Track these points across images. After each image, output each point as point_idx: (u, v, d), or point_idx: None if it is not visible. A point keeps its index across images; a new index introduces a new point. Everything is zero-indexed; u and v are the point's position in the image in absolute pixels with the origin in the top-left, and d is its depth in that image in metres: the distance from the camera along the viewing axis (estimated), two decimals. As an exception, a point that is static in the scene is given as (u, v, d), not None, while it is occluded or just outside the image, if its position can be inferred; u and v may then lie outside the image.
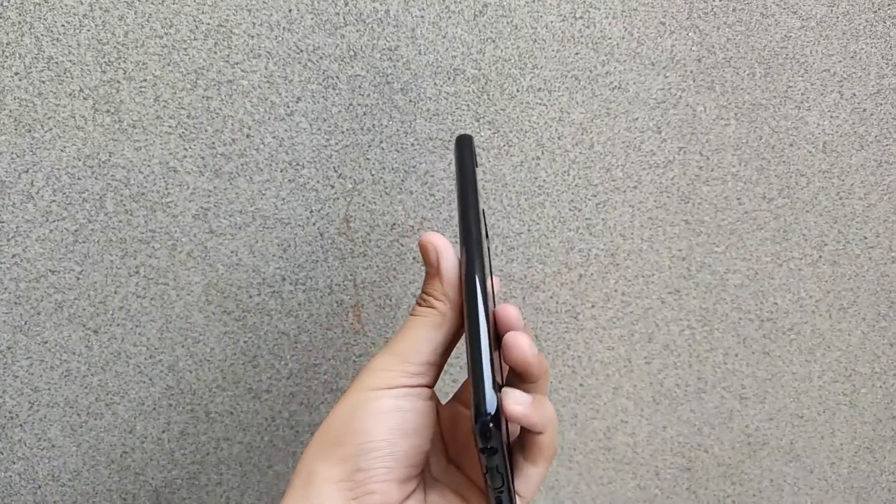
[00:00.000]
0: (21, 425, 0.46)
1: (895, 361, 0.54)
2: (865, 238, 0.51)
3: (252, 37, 0.42)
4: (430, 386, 0.32)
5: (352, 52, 0.43)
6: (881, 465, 0.57)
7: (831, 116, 0.48)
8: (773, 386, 0.53)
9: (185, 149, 0.43)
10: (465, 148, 0.35)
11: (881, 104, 0.49)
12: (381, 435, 0.30)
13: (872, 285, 0.52)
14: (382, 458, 0.30)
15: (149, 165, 0.43)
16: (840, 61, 0.47)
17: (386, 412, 0.30)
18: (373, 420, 0.30)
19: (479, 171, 0.46)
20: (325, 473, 0.30)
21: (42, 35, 0.40)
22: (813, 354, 0.53)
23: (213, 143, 0.43)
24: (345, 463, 0.30)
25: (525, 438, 0.31)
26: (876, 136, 0.49)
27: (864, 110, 0.49)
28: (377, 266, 0.47)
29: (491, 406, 0.28)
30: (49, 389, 0.46)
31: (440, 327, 0.32)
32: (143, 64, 0.42)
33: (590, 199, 0.48)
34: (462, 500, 0.33)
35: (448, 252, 0.32)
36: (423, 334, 0.32)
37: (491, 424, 0.28)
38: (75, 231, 0.44)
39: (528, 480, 0.31)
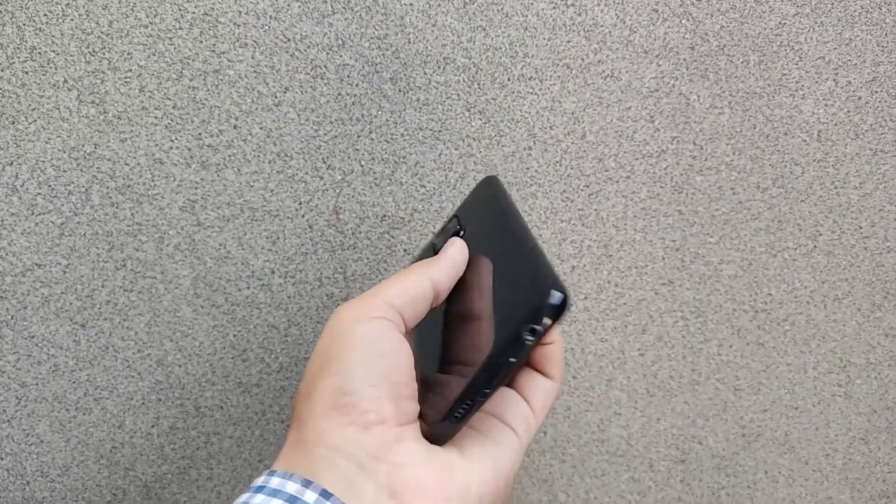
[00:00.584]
0: (8, 421, 0.46)
1: (890, 352, 0.54)
2: (860, 228, 0.51)
3: (238, 25, 0.41)
4: (396, 323, 0.32)
5: (340, 41, 0.42)
6: (876, 455, 0.56)
7: (826, 105, 0.48)
8: (768, 377, 0.53)
9: (172, 140, 0.42)
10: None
11: (876, 92, 0.48)
12: (358, 356, 0.30)
13: (867, 275, 0.52)
14: (364, 376, 0.29)
15: (134, 157, 0.42)
16: (835, 48, 0.47)
17: (359, 336, 0.30)
18: (347, 345, 0.30)
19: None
20: (314, 408, 0.30)
21: (24, 24, 0.40)
22: (808, 345, 0.53)
23: (200, 134, 0.42)
24: (329, 392, 0.30)
25: (541, 354, 0.33)
26: (871, 125, 0.49)
27: (860, 98, 0.48)
28: (367, 258, 0.46)
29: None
30: (37, 384, 0.46)
31: (407, 280, 0.32)
32: (128, 54, 0.41)
33: (582, 190, 0.47)
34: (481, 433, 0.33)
35: (459, 245, 0.34)
36: (388, 281, 0.32)
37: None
38: (61, 224, 0.43)
39: (548, 395, 0.34)
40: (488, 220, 0.35)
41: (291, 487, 0.28)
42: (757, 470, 0.55)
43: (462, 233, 0.35)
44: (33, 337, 0.45)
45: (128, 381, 0.47)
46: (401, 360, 0.31)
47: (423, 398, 0.32)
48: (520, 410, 0.34)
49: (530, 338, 0.29)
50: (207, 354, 0.47)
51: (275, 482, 0.29)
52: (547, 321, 0.29)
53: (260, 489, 0.28)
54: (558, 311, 0.29)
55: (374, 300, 0.32)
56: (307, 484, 0.28)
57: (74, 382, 0.46)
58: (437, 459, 0.30)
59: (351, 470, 0.29)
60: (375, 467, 0.29)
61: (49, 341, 0.45)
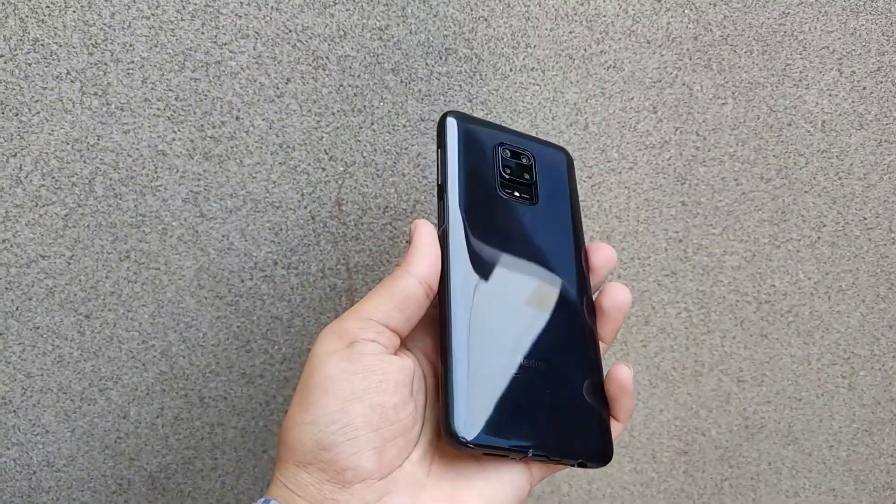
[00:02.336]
0: (14, 411, 0.46)
1: (895, 343, 0.54)
2: (865, 219, 0.51)
3: (240, 17, 0.41)
4: (380, 342, 0.30)
5: (341, 32, 0.42)
6: (880, 447, 0.56)
7: (830, 95, 0.48)
8: (771, 369, 0.53)
9: (174, 132, 0.42)
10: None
11: (881, 82, 0.48)
12: (331, 405, 0.28)
13: (872, 267, 0.52)
14: (340, 429, 0.28)
15: (137, 149, 0.43)
16: (839, 38, 0.46)
17: (331, 378, 0.29)
18: (320, 391, 0.29)
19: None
20: (295, 457, 0.29)
21: (27, 16, 0.40)
22: (811, 337, 0.53)
23: (202, 125, 0.43)
24: (307, 445, 0.28)
25: (611, 397, 0.32)
26: (876, 115, 0.48)
27: (864, 88, 0.48)
28: (370, 249, 0.46)
29: (464, 430, 0.29)
30: (42, 375, 0.46)
31: (387, 287, 0.31)
32: (131, 45, 0.41)
33: (585, 181, 0.47)
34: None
35: (424, 228, 0.32)
36: (368, 294, 0.31)
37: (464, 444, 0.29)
38: (65, 216, 0.43)
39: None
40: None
41: None
42: (760, 461, 0.55)
43: (535, 197, 0.36)
44: (38, 328, 0.45)
45: (132, 372, 0.47)
46: (382, 398, 0.29)
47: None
48: None
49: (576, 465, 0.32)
50: (211, 345, 0.47)
51: None
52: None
53: None
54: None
55: (353, 321, 0.30)
56: None
57: (79, 373, 0.46)
58: None
59: None
60: None
61: (54, 332, 0.45)
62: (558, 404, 0.31)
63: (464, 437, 0.28)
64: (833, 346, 0.53)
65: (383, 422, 0.29)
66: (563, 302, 0.34)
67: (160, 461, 0.49)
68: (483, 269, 0.32)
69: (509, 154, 0.36)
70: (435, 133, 0.45)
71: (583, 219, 0.48)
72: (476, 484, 0.30)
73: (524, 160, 0.37)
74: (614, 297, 0.34)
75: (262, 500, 0.29)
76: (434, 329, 0.33)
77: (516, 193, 0.35)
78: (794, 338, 0.53)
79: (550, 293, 0.34)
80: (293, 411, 0.29)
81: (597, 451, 0.32)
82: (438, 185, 0.34)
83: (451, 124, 0.35)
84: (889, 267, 0.52)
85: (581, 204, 0.47)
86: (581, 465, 0.31)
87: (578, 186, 0.47)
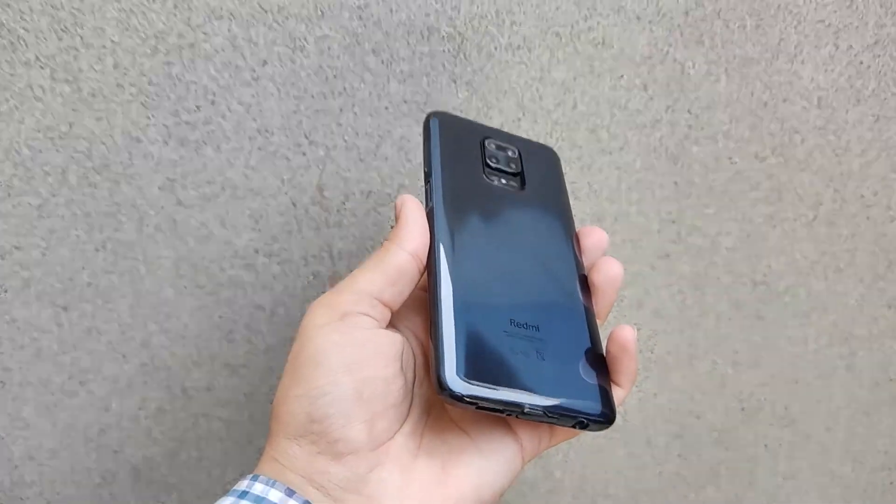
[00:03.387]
0: (-6, 406, 0.45)
1: (893, 323, 0.53)
2: (863, 196, 0.49)
3: (212, -3, 0.40)
4: (372, 315, 0.30)
5: (319, 12, 0.41)
6: (878, 428, 0.55)
7: (826, 70, 0.46)
8: (767, 350, 0.52)
9: (148, 117, 0.41)
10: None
11: (879, 56, 0.46)
12: (322, 378, 0.28)
13: (870, 245, 0.51)
14: (332, 401, 0.28)
15: (111, 136, 0.41)
16: (835, 11, 0.45)
17: (323, 351, 0.28)
18: (312, 363, 0.28)
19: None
20: (285, 431, 0.29)
21: (-10, -1, 0.38)
22: (808, 318, 0.52)
23: (177, 110, 0.41)
24: (298, 417, 0.28)
25: (612, 359, 0.31)
26: (873, 90, 0.47)
27: (861, 63, 0.46)
28: (353, 236, 0.45)
29: (454, 383, 0.27)
30: (20, 369, 0.45)
31: (380, 261, 0.30)
32: (101, 29, 0.40)
33: (574, 162, 0.46)
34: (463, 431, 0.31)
35: (411, 203, 0.32)
36: (360, 268, 0.31)
37: (455, 399, 0.28)
38: (39, 206, 0.42)
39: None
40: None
41: (275, 496, 0.27)
42: (757, 444, 0.55)
43: (522, 185, 0.36)
44: (15, 321, 0.44)
45: (113, 364, 0.46)
46: (373, 371, 0.29)
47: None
48: (538, 426, 0.32)
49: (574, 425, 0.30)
50: (193, 336, 0.46)
51: (258, 488, 0.28)
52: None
53: (243, 494, 0.28)
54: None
55: (346, 294, 0.30)
56: (290, 493, 0.28)
57: (59, 366, 0.45)
58: (412, 487, 0.29)
59: (321, 500, 0.28)
60: (345, 498, 0.28)
61: (31, 325, 0.44)
62: (554, 366, 0.30)
63: (458, 391, 0.28)
64: (831, 326, 0.52)
65: (374, 394, 0.29)
66: (556, 275, 0.33)
67: (144, 453, 0.48)
68: (472, 242, 0.32)
69: (495, 147, 0.37)
70: (420, 121, 0.43)
71: (573, 201, 0.47)
72: (467, 458, 0.30)
73: (510, 153, 0.37)
74: (606, 271, 0.33)
75: (250, 476, 0.28)
76: (422, 308, 0.34)
77: (503, 181, 0.35)
78: (791, 319, 0.51)
79: (543, 266, 0.33)
80: (285, 384, 0.30)
81: (597, 411, 0.30)
82: (425, 172, 0.34)
83: (437, 121, 0.35)
84: (888, 245, 0.51)
85: (571, 185, 0.46)
86: (581, 426, 0.30)
87: (569, 168, 0.46)
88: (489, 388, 0.28)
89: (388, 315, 0.31)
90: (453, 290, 0.30)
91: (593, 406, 0.30)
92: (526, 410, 0.29)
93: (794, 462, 0.56)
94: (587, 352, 0.31)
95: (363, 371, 0.29)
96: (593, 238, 0.35)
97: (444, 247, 0.31)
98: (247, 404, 0.48)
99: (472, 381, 0.28)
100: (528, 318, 0.31)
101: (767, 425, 0.54)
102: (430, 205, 0.32)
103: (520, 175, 0.36)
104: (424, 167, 0.34)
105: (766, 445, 0.55)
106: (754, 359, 0.52)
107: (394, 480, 0.29)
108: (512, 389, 0.29)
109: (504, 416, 0.29)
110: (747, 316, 0.51)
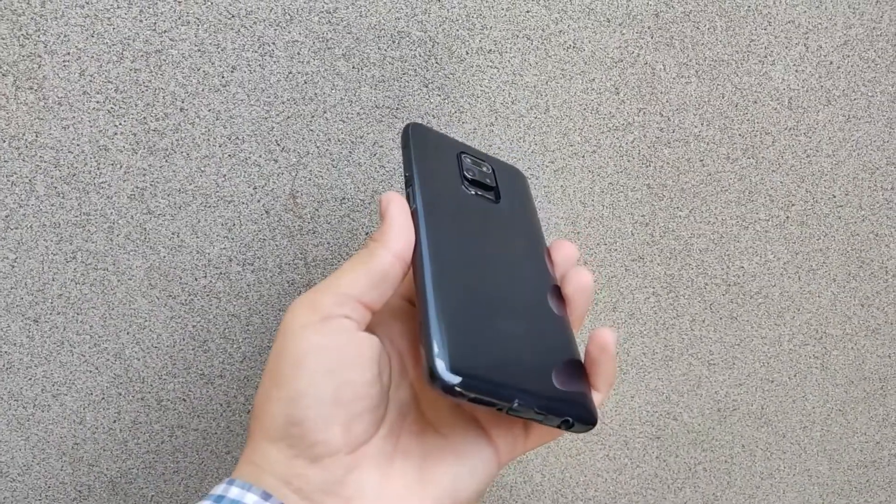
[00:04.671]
0: (-37, 420, 0.45)
1: (866, 322, 0.53)
2: (834, 196, 0.50)
3: (179, 2, 0.39)
4: (353, 318, 0.30)
5: (288, 16, 0.40)
6: (853, 426, 0.56)
7: (797, 70, 0.46)
8: (742, 351, 0.52)
9: (116, 125, 0.41)
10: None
11: (848, 56, 0.47)
12: (303, 381, 0.28)
13: (842, 245, 0.51)
14: (311, 403, 0.28)
15: (78, 145, 0.41)
16: (805, 12, 0.45)
17: (304, 353, 0.29)
18: (293, 365, 0.28)
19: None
20: (265, 433, 0.29)
21: (-48, 8, 0.38)
22: (782, 318, 0.52)
23: (145, 118, 0.41)
24: (277, 419, 0.28)
25: (591, 362, 0.31)
26: (843, 90, 0.47)
27: (831, 63, 0.47)
28: (328, 243, 0.45)
29: (446, 375, 0.27)
30: (-10, 382, 0.44)
31: (364, 263, 0.30)
32: (65, 36, 0.39)
33: (547, 166, 0.46)
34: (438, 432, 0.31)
35: (396, 201, 0.31)
36: (343, 268, 0.30)
37: (449, 388, 0.28)
38: (6, 217, 0.41)
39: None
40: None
41: (251, 499, 0.27)
42: (734, 444, 0.55)
43: (498, 198, 0.37)
44: (-17, 334, 0.43)
45: (86, 376, 0.45)
46: (353, 374, 0.29)
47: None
48: (512, 430, 0.32)
49: (559, 425, 0.30)
50: (167, 346, 0.45)
51: (234, 492, 0.28)
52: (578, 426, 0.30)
53: (219, 499, 0.28)
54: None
55: (327, 294, 0.30)
56: (266, 497, 0.28)
57: (30, 379, 0.45)
58: (389, 489, 0.29)
59: (298, 502, 0.28)
60: (323, 501, 0.28)
61: (1, 338, 0.44)
62: (538, 367, 0.31)
63: (449, 381, 0.28)
64: (804, 326, 0.53)
65: (352, 398, 0.29)
66: (531, 283, 0.34)
67: (120, 466, 0.48)
68: (455, 245, 0.32)
69: (471, 161, 0.37)
70: (393, 127, 0.43)
71: (547, 205, 0.47)
72: (443, 460, 0.30)
73: (485, 168, 0.38)
74: (576, 282, 0.33)
75: (226, 480, 0.28)
76: (400, 314, 0.34)
77: (479, 193, 0.36)
78: (765, 319, 0.52)
79: (520, 275, 0.34)
80: (265, 384, 0.30)
81: (581, 414, 0.30)
82: (406, 176, 0.34)
83: (415, 130, 0.36)
84: (860, 245, 0.51)
85: (544, 189, 0.46)
86: (566, 426, 0.30)
87: (542, 172, 0.46)
88: (480, 380, 0.28)
89: (368, 317, 0.31)
90: (442, 287, 0.30)
91: (578, 407, 0.30)
92: (516, 406, 0.29)
93: (771, 462, 0.56)
94: (565, 357, 0.32)
95: (342, 375, 0.29)
96: (563, 252, 0.35)
97: (429, 247, 0.31)
98: (223, 414, 0.47)
99: (463, 373, 0.28)
100: (511, 320, 0.31)
101: (744, 425, 0.54)
102: (414, 206, 0.32)
103: (495, 189, 0.37)
104: (405, 172, 0.34)
105: (742, 446, 0.55)
106: (729, 359, 0.52)
107: (371, 482, 0.29)
108: (502, 383, 0.29)
109: (494, 409, 0.29)
110: (721, 317, 0.51)
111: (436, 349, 0.28)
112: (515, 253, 0.35)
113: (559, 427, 0.30)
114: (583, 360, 0.32)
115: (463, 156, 0.37)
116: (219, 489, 0.28)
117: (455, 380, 0.27)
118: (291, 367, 0.29)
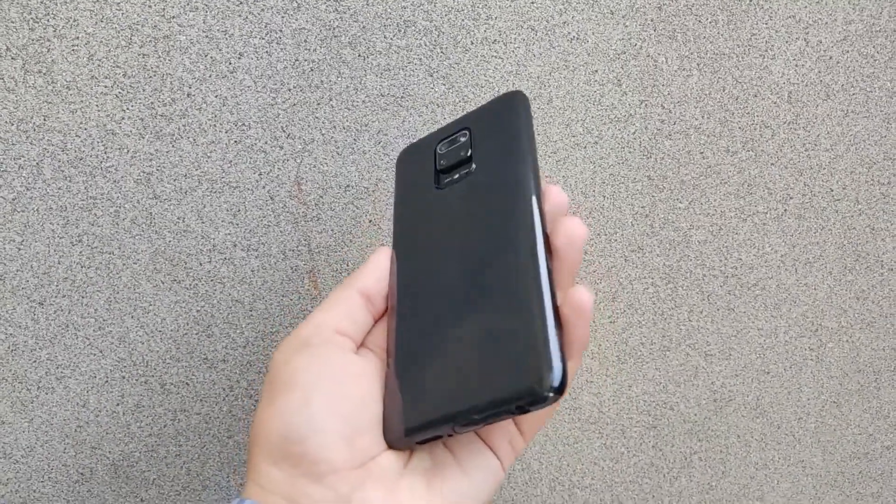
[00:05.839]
0: (-33, 402, 0.45)
1: (862, 315, 0.54)
2: (832, 190, 0.50)
3: (188, -11, 0.40)
4: (337, 343, 0.31)
5: (295, 4, 0.41)
6: (847, 418, 0.57)
7: (796, 65, 0.47)
8: (739, 342, 0.53)
9: (123, 110, 0.41)
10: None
11: (848, 51, 0.47)
12: (297, 397, 0.28)
13: (839, 238, 0.52)
14: (310, 419, 0.28)
15: (86, 129, 0.41)
16: (805, 7, 0.46)
17: (294, 372, 0.29)
18: (285, 386, 0.29)
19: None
20: (265, 456, 0.28)
21: (-38, -9, 0.38)
22: (778, 310, 0.53)
23: (153, 103, 0.41)
24: (277, 441, 0.28)
25: (566, 325, 0.28)
26: (842, 85, 0.48)
27: (831, 58, 0.47)
28: (332, 230, 0.45)
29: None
30: (-5, 364, 0.45)
31: (334, 298, 0.32)
32: (74, 20, 0.39)
33: (549, 157, 0.46)
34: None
35: (381, 250, 0.34)
36: (317, 307, 0.32)
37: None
38: (13, 199, 0.42)
39: (541, 413, 0.31)
40: (503, 172, 0.32)
41: None
42: (729, 434, 0.56)
43: (472, 165, 0.34)
44: (-11, 316, 0.44)
45: (90, 360, 0.46)
46: (349, 388, 0.29)
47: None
48: (507, 432, 0.32)
49: (513, 412, 0.26)
50: (171, 331, 0.46)
51: None
52: (537, 406, 0.26)
53: None
54: (552, 398, 0.25)
55: (306, 328, 0.31)
56: None
57: (35, 361, 0.45)
58: None
59: None
60: None
61: (6, 320, 0.44)
62: (489, 361, 0.27)
63: (394, 439, 0.29)
64: (800, 318, 0.53)
65: (351, 412, 0.29)
66: (509, 248, 0.30)
67: (123, 449, 0.48)
68: (420, 268, 0.33)
69: (445, 146, 0.36)
70: (397, 115, 0.44)
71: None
72: (451, 475, 0.30)
73: (461, 139, 0.35)
74: (569, 233, 0.29)
75: (237, 500, 0.28)
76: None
77: (455, 177, 0.35)
78: (762, 311, 0.52)
79: (494, 246, 0.31)
80: (260, 409, 0.30)
81: (536, 385, 0.25)
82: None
83: (400, 161, 0.37)
84: (856, 238, 0.52)
85: (546, 180, 0.47)
86: (521, 410, 0.26)
87: (544, 163, 0.46)
88: (421, 425, 0.28)
89: (351, 344, 0.31)
90: (399, 336, 0.31)
91: (528, 387, 0.26)
92: (462, 425, 0.27)
93: (766, 452, 0.57)
94: (532, 323, 0.27)
95: (337, 388, 0.29)
96: (551, 199, 0.31)
97: (397, 287, 0.32)
98: (226, 399, 0.48)
99: (408, 427, 0.28)
100: (470, 322, 0.29)
101: (739, 416, 0.55)
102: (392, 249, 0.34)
103: (469, 158, 0.34)
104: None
105: (738, 436, 0.56)
106: (726, 350, 0.53)
107: (379, 498, 0.28)
108: (440, 417, 0.28)
109: (444, 437, 0.29)
110: (719, 308, 0.52)
111: (385, 412, 0.29)
112: (492, 221, 0.31)
113: (515, 413, 0.26)
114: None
115: (439, 146, 0.36)
116: None
117: (396, 436, 0.29)
118: (283, 386, 0.29)
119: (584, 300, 0.27)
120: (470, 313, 0.29)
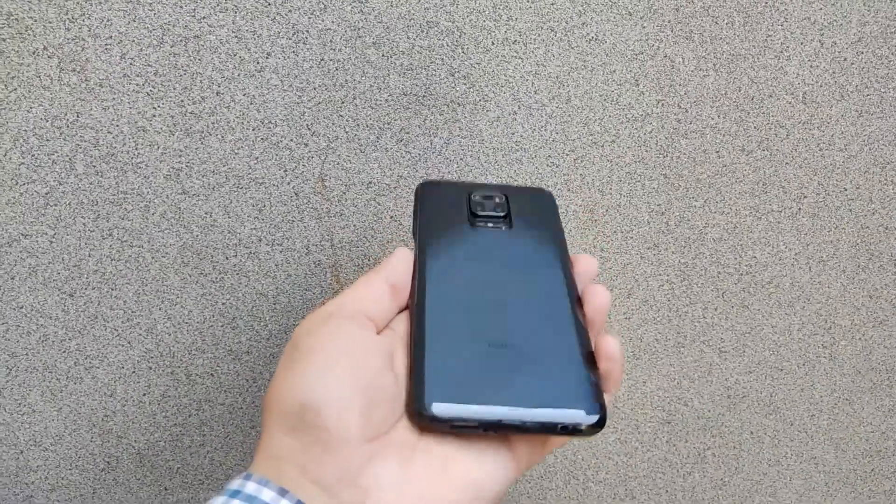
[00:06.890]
0: (0, 391, 0.46)
1: (874, 313, 0.55)
2: (845, 190, 0.51)
3: (218, -9, 0.41)
4: (360, 322, 0.31)
5: (321, 5, 0.42)
6: (860, 416, 0.57)
7: (811, 66, 0.48)
8: (752, 339, 0.54)
9: (154, 108, 0.42)
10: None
11: (862, 52, 0.48)
12: (316, 366, 0.28)
13: (852, 237, 0.52)
14: (327, 388, 0.28)
15: (117, 125, 0.42)
16: (821, 8, 0.46)
17: (315, 342, 0.29)
18: (305, 354, 0.29)
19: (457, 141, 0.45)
20: (279, 423, 0.28)
21: (1, -9, 0.39)
22: (792, 307, 0.53)
23: (183, 101, 0.42)
24: (292, 408, 0.28)
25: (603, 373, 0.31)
26: (856, 86, 0.49)
27: (845, 59, 0.48)
28: (354, 225, 0.47)
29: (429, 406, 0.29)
30: (27, 355, 0.46)
31: (361, 283, 0.32)
32: (108, 20, 0.41)
33: (567, 155, 0.47)
34: None
35: (402, 250, 0.34)
36: (342, 293, 0.33)
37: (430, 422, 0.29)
38: (46, 193, 0.43)
39: None
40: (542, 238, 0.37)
41: (267, 495, 0.27)
42: (742, 430, 0.56)
43: (509, 222, 0.37)
44: (21, 307, 0.45)
45: (118, 350, 0.47)
46: (368, 360, 0.29)
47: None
48: (531, 440, 0.31)
49: (556, 433, 0.30)
50: (197, 322, 0.47)
51: (250, 487, 0.27)
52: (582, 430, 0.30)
53: (235, 493, 0.27)
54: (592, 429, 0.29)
55: (331, 305, 0.31)
56: (283, 493, 0.27)
57: (64, 352, 0.46)
58: (409, 484, 0.28)
59: (316, 493, 0.27)
60: (341, 490, 0.27)
61: (38, 311, 0.45)
62: (537, 379, 0.31)
63: (428, 412, 0.29)
64: (814, 316, 0.54)
65: (368, 383, 0.29)
66: (542, 296, 0.34)
67: (148, 438, 0.49)
68: (453, 279, 0.34)
69: (481, 197, 0.38)
70: (419, 114, 0.45)
71: (567, 193, 0.48)
72: (464, 461, 0.30)
73: (497, 199, 0.38)
74: (594, 303, 0.33)
75: (243, 474, 0.28)
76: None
77: (490, 224, 0.37)
78: (775, 308, 0.53)
79: (528, 291, 0.34)
80: (278, 376, 0.30)
81: (582, 415, 0.30)
82: (413, 229, 0.37)
83: (426, 186, 0.39)
84: (869, 237, 0.52)
85: (564, 178, 0.48)
86: (566, 432, 0.29)
87: (562, 161, 0.47)
88: (462, 410, 0.29)
89: (373, 325, 0.32)
90: (429, 322, 0.32)
91: (576, 413, 0.30)
92: (504, 424, 0.29)
93: (779, 449, 0.57)
94: (577, 361, 0.31)
95: (356, 359, 0.29)
96: (580, 265, 0.35)
97: (426, 283, 0.33)
98: (249, 390, 0.49)
99: (444, 407, 0.29)
100: (510, 338, 0.32)
101: (752, 412, 0.56)
102: (416, 251, 0.35)
103: (507, 217, 0.38)
104: (413, 226, 0.37)
105: (751, 432, 0.56)
106: (740, 347, 0.54)
107: (391, 472, 0.28)
108: (487, 411, 0.29)
109: (484, 433, 0.29)
110: (733, 305, 0.53)
111: (415, 384, 0.30)
112: (527, 271, 0.35)
113: (561, 434, 0.30)
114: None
115: (473, 195, 0.38)
116: (235, 483, 0.28)
117: (433, 412, 0.29)
118: (303, 354, 0.29)
119: (614, 349, 0.31)
120: (514, 339, 0.32)
